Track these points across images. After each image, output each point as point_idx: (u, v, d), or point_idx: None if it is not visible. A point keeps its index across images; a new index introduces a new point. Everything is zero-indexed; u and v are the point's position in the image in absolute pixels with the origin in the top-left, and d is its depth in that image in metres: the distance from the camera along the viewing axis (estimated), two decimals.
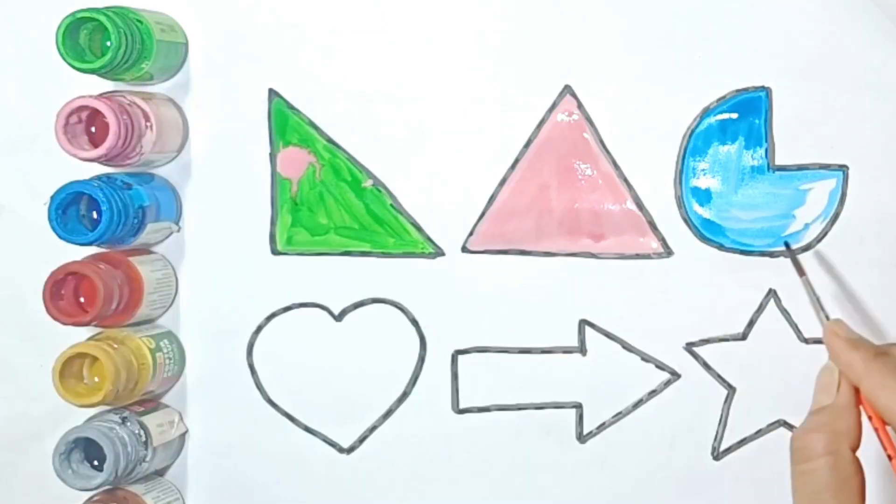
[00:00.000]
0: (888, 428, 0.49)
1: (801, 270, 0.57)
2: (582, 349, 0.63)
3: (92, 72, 0.57)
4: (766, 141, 0.60)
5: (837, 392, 0.50)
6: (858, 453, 0.48)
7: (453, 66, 0.62)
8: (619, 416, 0.63)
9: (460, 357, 0.63)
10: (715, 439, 0.62)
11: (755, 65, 0.60)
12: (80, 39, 0.58)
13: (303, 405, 0.64)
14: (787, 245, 0.60)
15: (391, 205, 0.63)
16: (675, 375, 0.62)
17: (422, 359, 0.64)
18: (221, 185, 0.64)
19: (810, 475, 0.49)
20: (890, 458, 0.48)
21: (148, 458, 0.61)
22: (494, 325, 0.63)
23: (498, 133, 0.62)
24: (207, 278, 0.64)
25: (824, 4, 0.59)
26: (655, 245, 0.62)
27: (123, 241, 0.61)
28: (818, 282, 0.60)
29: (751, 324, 0.61)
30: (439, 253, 0.63)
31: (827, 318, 0.54)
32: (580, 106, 0.61)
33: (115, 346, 0.59)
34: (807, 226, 0.61)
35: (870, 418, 0.49)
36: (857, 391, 0.50)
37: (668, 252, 0.62)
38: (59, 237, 0.58)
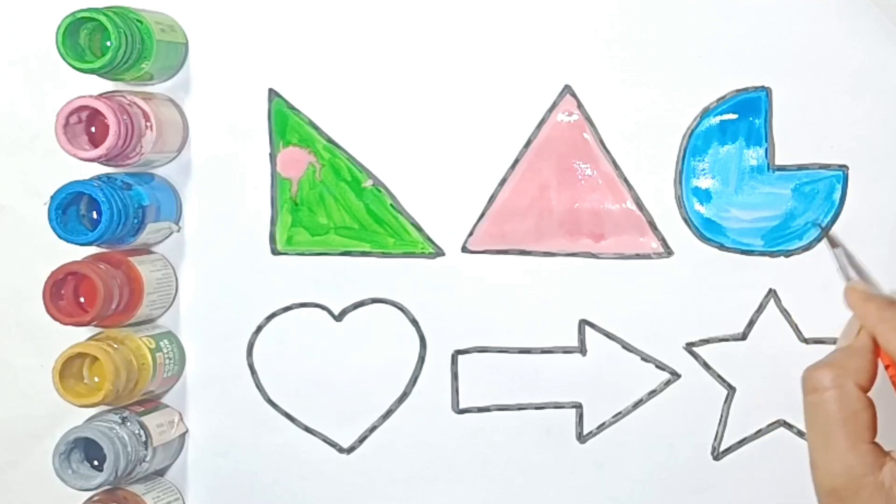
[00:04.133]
0: None
1: (834, 242, 0.60)
2: (582, 349, 0.63)
3: (92, 72, 0.57)
4: (766, 141, 0.60)
5: (857, 336, 0.54)
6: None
7: (453, 65, 0.62)
8: (619, 416, 0.63)
9: (460, 357, 0.63)
10: (715, 439, 0.62)
11: (755, 65, 0.60)
12: (80, 39, 0.58)
13: (303, 405, 0.64)
14: (820, 226, 0.60)
15: (391, 205, 0.63)
16: (675, 375, 0.62)
17: (422, 359, 0.64)
18: (221, 185, 0.64)
19: (818, 406, 0.52)
20: None
21: (148, 458, 0.61)
22: (494, 325, 0.63)
23: (498, 133, 0.62)
24: (207, 278, 0.64)
25: (824, 4, 0.59)
26: (655, 245, 0.62)
27: (123, 241, 0.61)
28: (818, 282, 0.60)
29: (751, 324, 0.61)
30: (439, 253, 0.63)
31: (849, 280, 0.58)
32: (580, 106, 0.61)
33: (115, 346, 0.59)
34: (807, 226, 0.61)
35: (886, 367, 0.52)
36: (875, 342, 0.53)
37: (668, 252, 0.62)
38: (59, 237, 0.58)
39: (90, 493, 0.61)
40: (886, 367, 0.52)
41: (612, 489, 0.63)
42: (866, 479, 0.50)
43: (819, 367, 0.52)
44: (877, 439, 0.51)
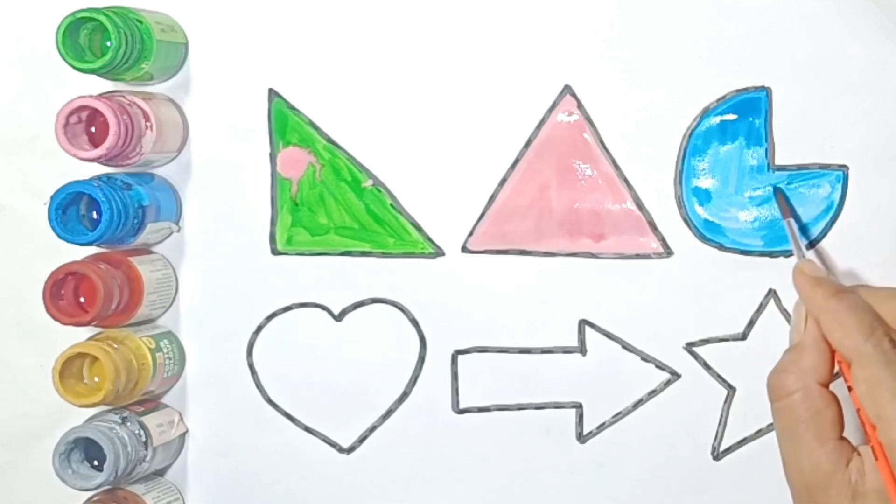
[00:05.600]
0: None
1: (786, 212, 0.59)
2: (582, 349, 0.63)
3: (92, 72, 0.57)
4: (766, 141, 0.60)
5: (805, 330, 0.53)
6: None
7: (453, 65, 0.62)
8: (619, 416, 0.63)
9: (460, 357, 0.63)
10: (715, 439, 0.62)
11: (755, 65, 0.60)
12: (80, 39, 0.58)
13: (303, 405, 0.64)
14: (776, 189, 0.60)
15: (391, 205, 0.63)
16: (675, 375, 0.62)
17: (422, 359, 0.64)
18: (221, 185, 0.64)
19: (785, 411, 0.52)
20: (850, 389, 0.51)
21: (148, 458, 0.61)
22: (494, 325, 0.63)
23: (498, 133, 0.62)
24: (207, 278, 0.64)
25: (824, 4, 0.59)
26: (655, 245, 0.62)
27: (123, 241, 0.61)
28: None
29: (751, 324, 0.61)
30: (439, 253, 0.63)
31: (803, 258, 0.56)
32: (580, 106, 0.61)
33: (115, 346, 0.59)
34: (807, 226, 0.61)
35: (832, 354, 0.52)
36: None
37: (668, 252, 0.62)
38: (59, 237, 0.58)
39: (90, 493, 0.61)
40: (832, 354, 0.52)
41: (612, 489, 0.63)
42: (836, 476, 0.50)
43: (779, 372, 0.53)
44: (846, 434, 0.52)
